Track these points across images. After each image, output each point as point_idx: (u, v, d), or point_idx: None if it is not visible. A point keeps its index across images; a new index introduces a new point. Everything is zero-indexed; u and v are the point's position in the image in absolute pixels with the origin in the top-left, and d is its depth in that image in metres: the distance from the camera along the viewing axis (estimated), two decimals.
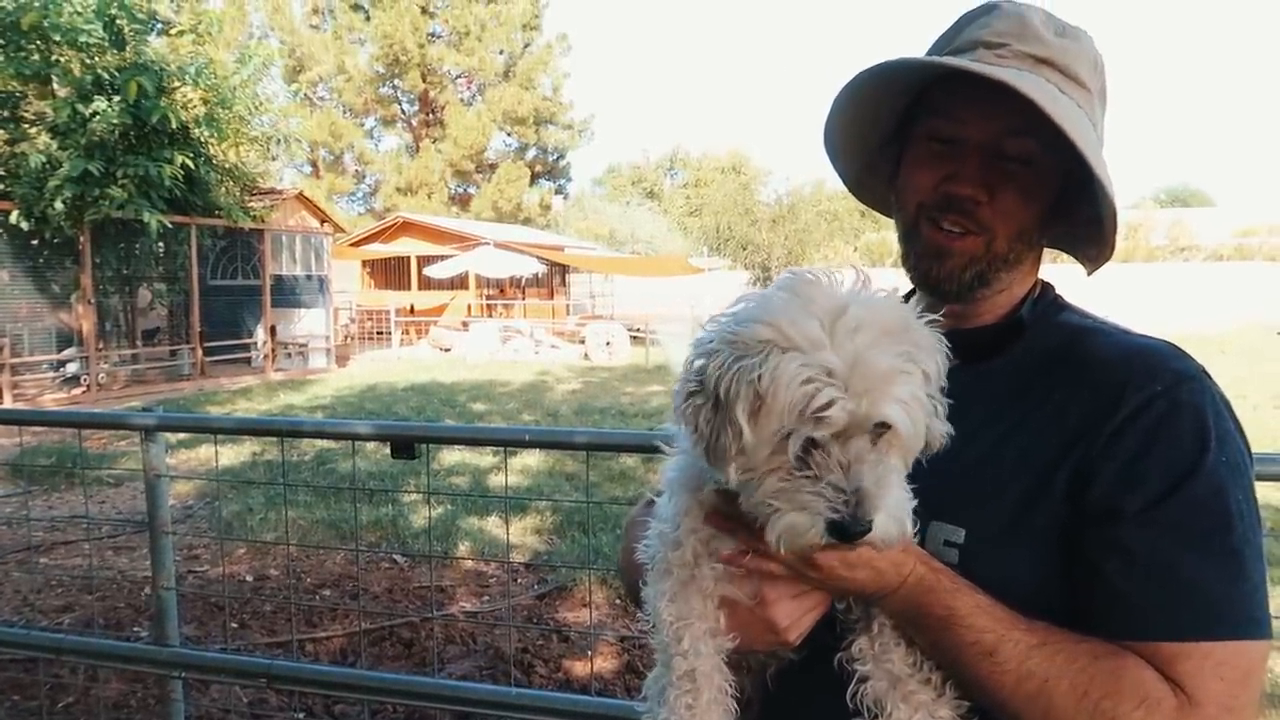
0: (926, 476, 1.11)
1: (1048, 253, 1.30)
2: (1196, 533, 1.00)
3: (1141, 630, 1.00)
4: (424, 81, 47.19)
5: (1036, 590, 1.07)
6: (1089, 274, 1.31)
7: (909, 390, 0.96)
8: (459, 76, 48.47)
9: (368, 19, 46.24)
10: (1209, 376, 1.08)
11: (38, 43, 14.70)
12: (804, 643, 1.15)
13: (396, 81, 47.73)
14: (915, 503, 1.08)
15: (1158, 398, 1.04)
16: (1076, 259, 1.32)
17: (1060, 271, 1.33)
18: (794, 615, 1.11)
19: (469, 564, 6.38)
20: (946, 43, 1.21)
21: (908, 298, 1.32)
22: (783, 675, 1.21)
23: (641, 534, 1.26)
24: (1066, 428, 1.08)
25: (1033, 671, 0.99)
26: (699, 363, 1.00)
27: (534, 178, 50.95)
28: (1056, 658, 0.99)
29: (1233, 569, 1.00)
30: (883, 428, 0.95)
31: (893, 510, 0.94)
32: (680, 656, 1.10)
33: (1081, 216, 1.21)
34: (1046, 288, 1.27)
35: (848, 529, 0.92)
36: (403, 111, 50.01)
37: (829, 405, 0.91)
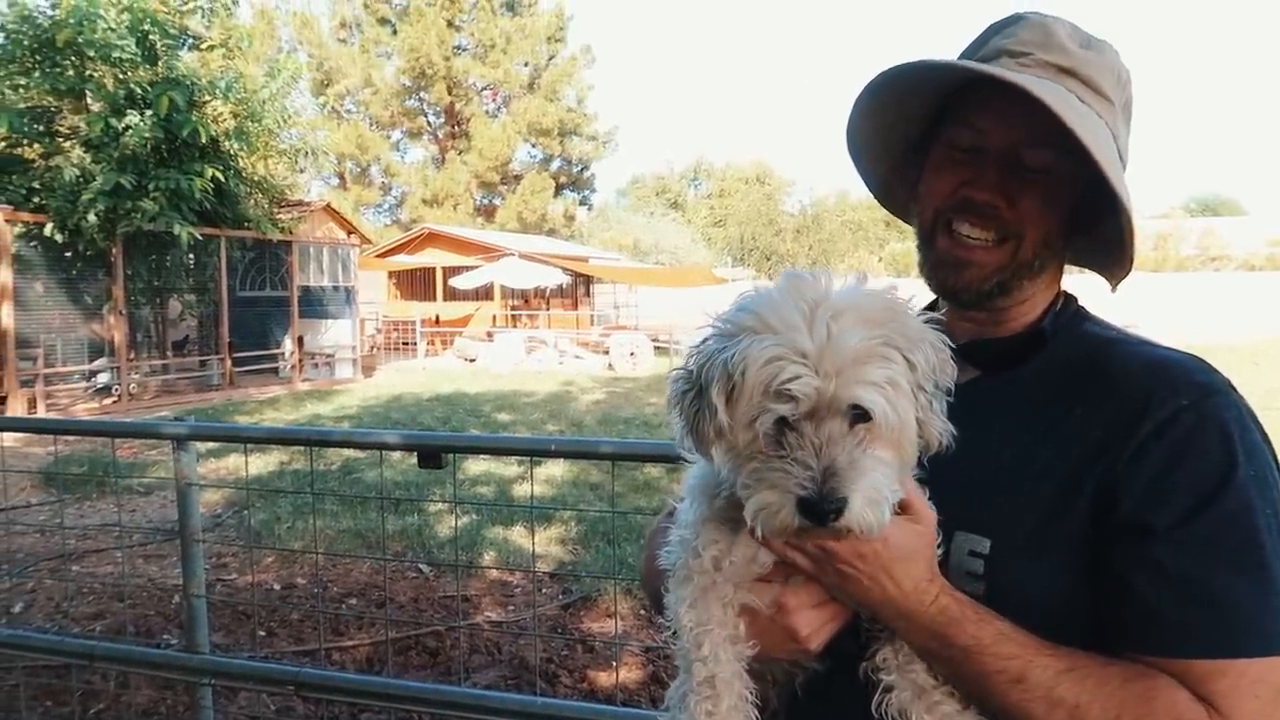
0: (951, 486, 1.11)
1: (1071, 265, 1.29)
2: (1226, 549, 0.99)
3: (1174, 648, 0.99)
4: (450, 94, 47.60)
5: (1061, 600, 1.06)
6: (1113, 289, 1.30)
7: (884, 374, 0.95)
8: (484, 89, 48.85)
9: (394, 33, 46.76)
10: (1234, 390, 1.08)
11: (72, 58, 15.00)
12: (827, 652, 1.14)
13: (423, 94, 48.18)
14: (937, 513, 1.08)
15: (1184, 411, 1.04)
16: (1100, 274, 1.31)
17: (1086, 283, 1.32)
18: (814, 624, 1.11)
19: (494, 574, 6.40)
20: (973, 52, 1.22)
21: (932, 306, 1.33)
22: (808, 685, 1.21)
23: (663, 541, 1.27)
24: (1091, 440, 1.07)
25: (1063, 698, 0.98)
26: (690, 355, 1.03)
27: (558, 189, 51.18)
28: (1086, 682, 0.98)
29: (1264, 584, 0.98)
30: (860, 414, 0.95)
31: (869, 494, 0.93)
32: (700, 663, 1.10)
33: (1104, 228, 1.20)
34: (1069, 299, 1.26)
35: (816, 506, 0.92)
36: (429, 124, 50.44)
37: (793, 381, 0.92)
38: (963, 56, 1.23)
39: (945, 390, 1.01)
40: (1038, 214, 1.16)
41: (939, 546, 1.08)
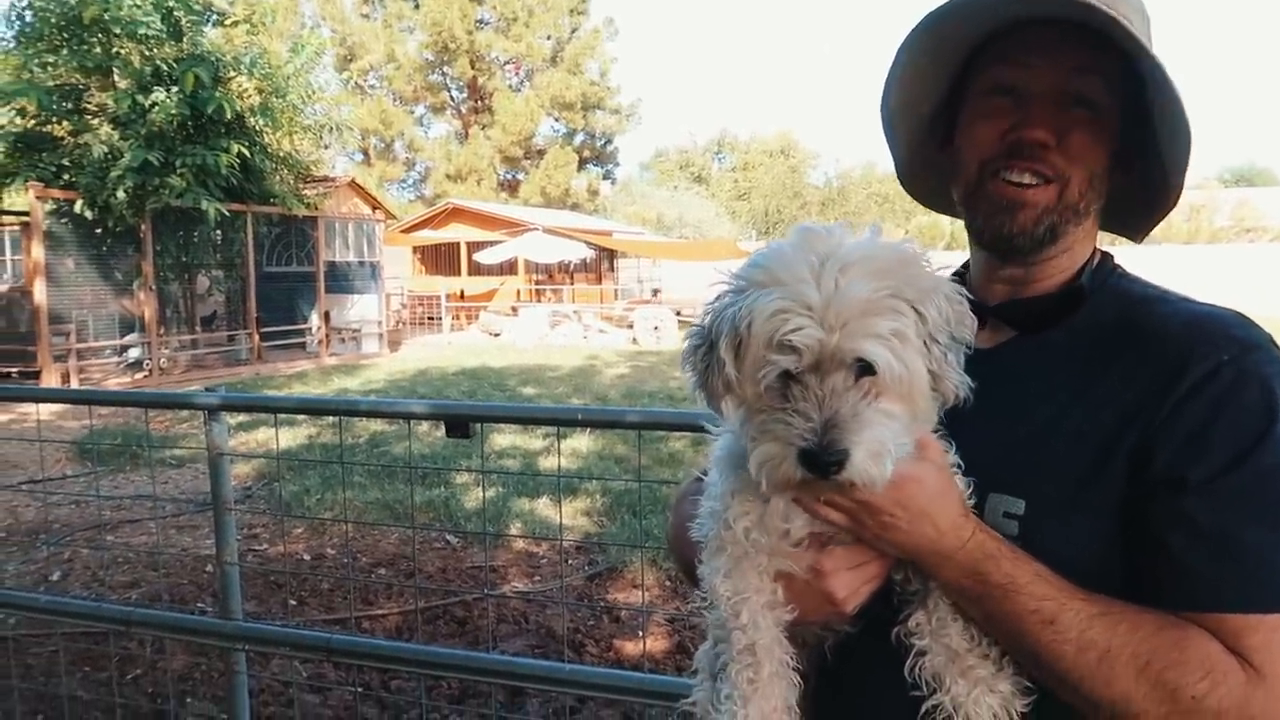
0: (986, 448, 1.10)
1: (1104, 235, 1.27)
2: (1263, 504, 0.98)
3: (1207, 602, 0.98)
4: (472, 68, 47.50)
5: (1098, 562, 1.05)
6: (1139, 241, 1.29)
7: (891, 326, 0.94)
8: (507, 63, 48.69)
9: (417, 7, 46.64)
10: (1277, 345, 1.06)
11: (99, 36, 15.09)
12: (859, 616, 1.14)
13: (445, 69, 48.11)
14: (959, 464, 1.08)
15: (1224, 366, 1.02)
16: (1123, 232, 1.29)
17: (1119, 252, 1.30)
18: (851, 586, 1.10)
19: (521, 545, 6.45)
20: None
21: (959, 275, 1.31)
22: (839, 648, 1.21)
23: (691, 510, 1.26)
24: (1129, 399, 1.06)
25: (1094, 640, 0.97)
26: (704, 312, 1.04)
27: (582, 163, 51.04)
28: (1119, 627, 0.98)
29: None
30: (865, 367, 0.94)
31: (871, 446, 0.92)
32: (740, 631, 1.09)
33: (1139, 169, 1.19)
34: (1105, 256, 1.24)
35: (817, 457, 0.91)
36: (452, 98, 50.39)
37: (795, 332, 0.92)
38: None
39: (963, 343, 1.00)
40: (1086, 151, 1.14)
41: (972, 507, 1.07)
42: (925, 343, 0.97)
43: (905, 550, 1.07)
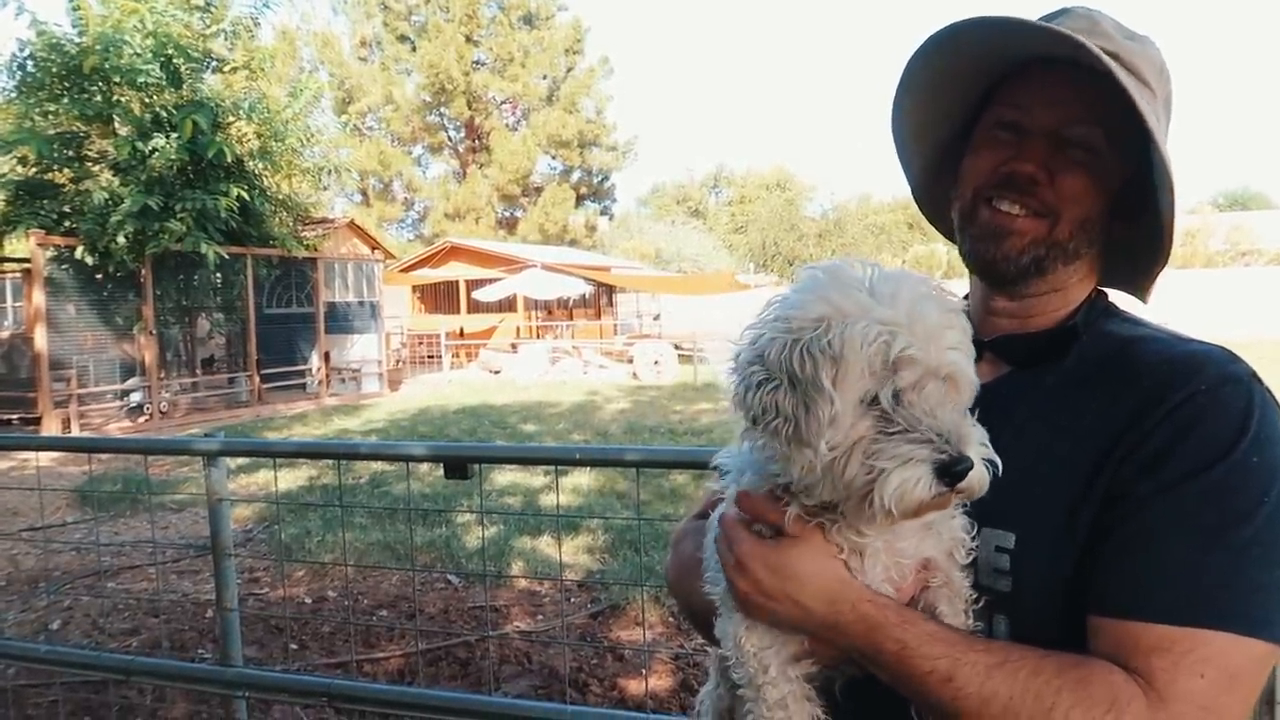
0: None
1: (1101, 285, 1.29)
2: (1205, 521, 0.98)
3: (1122, 609, 0.98)
4: (469, 108, 47.94)
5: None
6: (1145, 300, 1.29)
7: (959, 338, 0.99)
8: (504, 102, 49.16)
9: (414, 49, 47.19)
10: (1259, 380, 1.07)
11: (99, 84, 15.26)
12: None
13: (443, 109, 48.54)
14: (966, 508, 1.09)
15: (1199, 394, 1.03)
16: (1129, 289, 1.30)
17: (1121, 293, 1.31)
18: None
19: (523, 584, 6.42)
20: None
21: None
22: (847, 688, 1.20)
23: (693, 550, 1.27)
24: (1111, 431, 1.07)
25: (995, 691, 0.97)
26: (756, 356, 1.00)
27: (579, 199, 51.36)
28: (1019, 674, 0.97)
29: (1239, 563, 0.96)
30: (947, 376, 0.97)
31: (981, 453, 0.95)
32: (770, 685, 1.09)
33: (1140, 225, 1.20)
34: (1100, 295, 1.26)
35: (951, 467, 0.92)
36: (449, 139, 50.82)
37: (905, 349, 0.93)
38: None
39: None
40: (1078, 194, 1.16)
41: (972, 539, 1.08)
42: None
43: (792, 628, 1.09)
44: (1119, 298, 1.29)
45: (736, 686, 1.14)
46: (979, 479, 0.94)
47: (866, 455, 0.94)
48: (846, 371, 0.94)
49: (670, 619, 5.55)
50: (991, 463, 0.96)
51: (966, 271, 1.32)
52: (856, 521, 1.02)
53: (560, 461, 2.87)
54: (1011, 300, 1.24)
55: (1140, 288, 1.30)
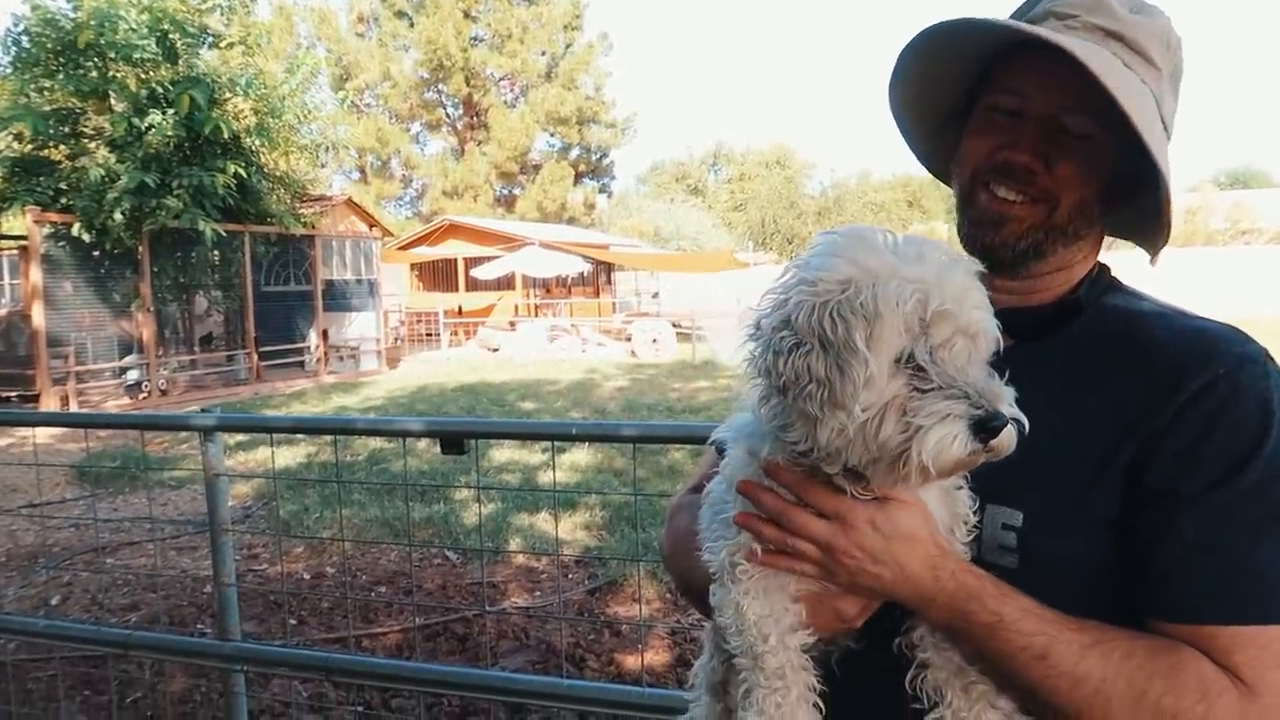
0: None
1: (1111, 236, 1.28)
2: (1255, 517, 0.98)
3: (1194, 616, 0.98)
4: (468, 85, 47.63)
5: (1093, 574, 1.05)
6: (1153, 261, 1.28)
7: (983, 299, 0.99)
8: (502, 79, 48.84)
9: (411, 25, 46.81)
10: (1273, 360, 1.06)
11: (95, 60, 15.15)
12: (864, 629, 1.14)
13: (441, 86, 48.24)
14: (966, 477, 1.08)
15: (1219, 380, 1.02)
16: (1139, 245, 1.30)
17: (1119, 259, 1.31)
18: (860, 603, 1.11)
19: (520, 560, 6.44)
20: (1020, 15, 1.21)
21: None
22: (842, 660, 1.20)
23: (688, 524, 1.26)
24: (1125, 413, 1.06)
25: (1089, 672, 0.97)
26: (782, 320, 0.98)
27: (578, 177, 51.14)
28: (1112, 656, 0.97)
29: None
30: (975, 335, 0.97)
31: (1012, 411, 0.94)
32: (770, 654, 1.08)
33: (1143, 199, 1.19)
34: (1103, 270, 1.25)
35: (988, 423, 0.92)
36: (447, 115, 50.53)
37: (941, 306, 0.93)
38: (1012, 18, 1.22)
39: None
40: (1075, 179, 1.15)
41: (975, 515, 1.08)
42: None
43: (879, 593, 1.07)
44: (1122, 271, 1.28)
45: (730, 658, 1.14)
46: (1009, 437, 0.94)
47: (902, 414, 0.93)
48: (882, 330, 0.93)
49: (668, 595, 5.57)
50: (1019, 422, 0.95)
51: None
52: (885, 484, 1.01)
53: (557, 437, 2.87)
54: (1012, 280, 1.23)
55: (1150, 248, 1.29)
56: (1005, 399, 0.94)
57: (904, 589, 1.03)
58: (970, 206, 1.22)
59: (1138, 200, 1.20)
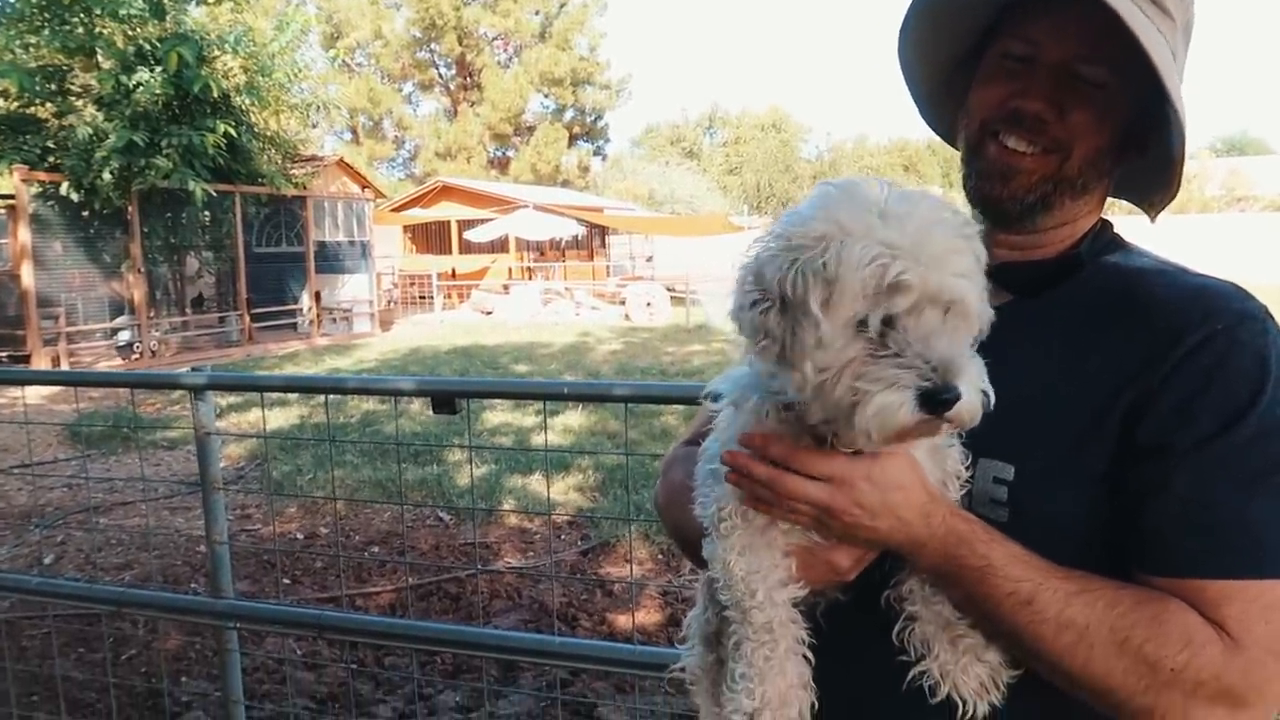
0: None
1: (1112, 197, 1.26)
2: (1247, 472, 0.97)
3: (1183, 569, 0.97)
4: (460, 45, 47.07)
5: (1085, 530, 1.05)
6: (1153, 219, 1.27)
7: (967, 264, 0.96)
8: (495, 39, 48.28)
9: None
10: (1273, 318, 1.05)
11: (81, 16, 14.91)
12: (852, 581, 1.14)
13: (433, 45, 47.68)
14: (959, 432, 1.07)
15: (1217, 336, 1.01)
16: (1140, 206, 1.28)
17: (1125, 225, 1.29)
18: (854, 554, 1.10)
19: (513, 521, 6.47)
20: None
21: None
22: (831, 613, 1.20)
23: (683, 477, 1.25)
24: (1122, 369, 1.05)
25: (1072, 620, 0.97)
26: (755, 272, 0.99)
27: (572, 139, 50.74)
28: (1097, 604, 0.97)
29: None
30: (949, 303, 0.95)
31: (975, 380, 0.93)
32: (757, 609, 1.08)
33: (1151, 154, 1.17)
34: (1106, 225, 1.23)
35: (936, 396, 0.90)
36: (440, 75, 49.99)
37: (902, 274, 0.91)
38: None
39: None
40: (1088, 128, 1.12)
41: (966, 471, 1.07)
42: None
43: (875, 543, 1.07)
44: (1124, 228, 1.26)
45: (724, 609, 1.14)
46: (969, 410, 0.92)
47: (854, 377, 0.93)
48: (841, 294, 0.92)
49: (660, 555, 5.61)
50: (987, 395, 0.94)
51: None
52: (849, 443, 1.00)
53: (549, 396, 2.86)
54: (1017, 234, 1.21)
55: (1148, 209, 1.27)
56: (965, 372, 0.92)
57: (899, 537, 1.03)
58: (977, 158, 1.19)
59: (1145, 156, 1.18)
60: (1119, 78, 1.10)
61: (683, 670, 1.33)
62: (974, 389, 0.93)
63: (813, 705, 1.09)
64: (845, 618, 1.18)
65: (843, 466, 1.01)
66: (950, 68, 1.29)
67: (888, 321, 0.93)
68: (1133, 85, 1.08)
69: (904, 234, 0.92)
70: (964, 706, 1.06)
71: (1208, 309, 1.04)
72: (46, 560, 5.85)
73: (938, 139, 1.46)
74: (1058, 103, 1.12)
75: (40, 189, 15.09)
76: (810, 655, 1.11)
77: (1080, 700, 1.01)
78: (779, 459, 1.04)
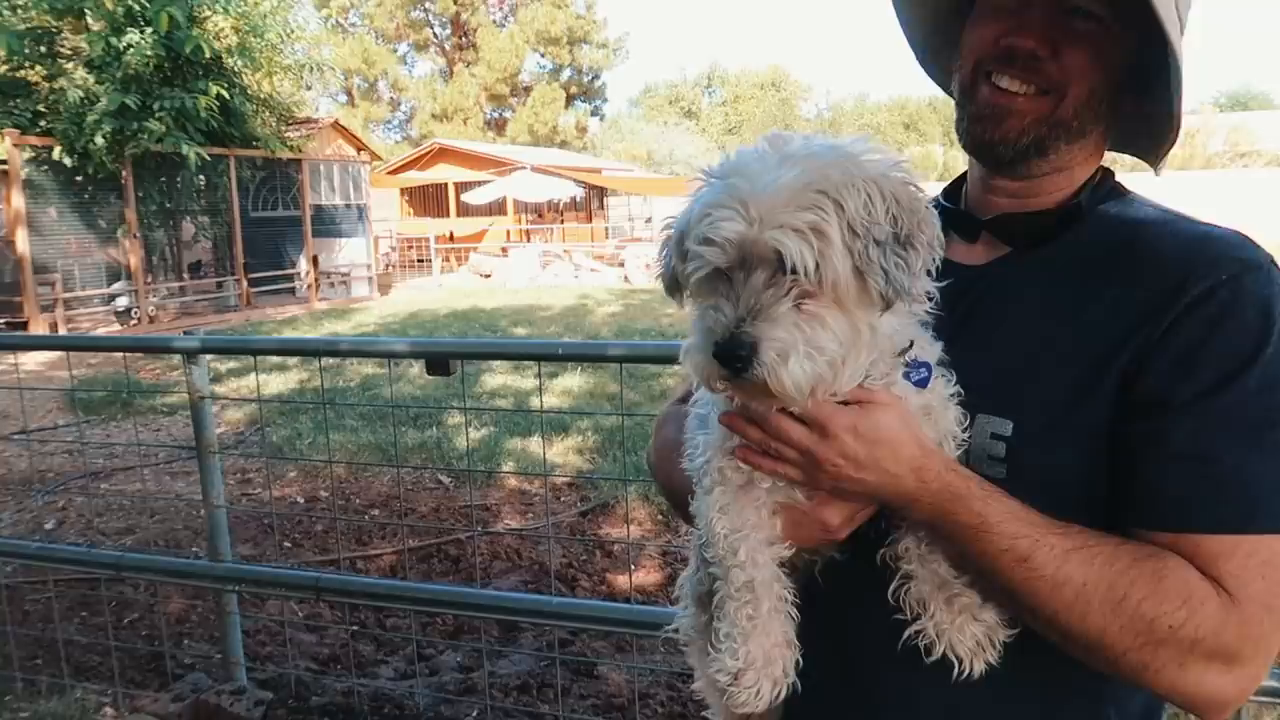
0: (975, 367, 1.07)
1: (1111, 150, 1.22)
2: (1246, 425, 0.95)
3: (1181, 523, 0.96)
4: (455, 3, 46.44)
5: (1084, 485, 1.03)
6: (1156, 171, 1.23)
7: (810, 219, 0.90)
8: None
9: None
10: (1277, 267, 1.02)
11: None
12: (849, 540, 1.12)
13: (428, 4, 47.08)
14: (959, 392, 1.05)
15: (1221, 286, 0.98)
16: (1143, 159, 1.24)
17: (1129, 180, 1.25)
18: (845, 513, 1.08)
19: (513, 484, 6.48)
20: None
21: (955, 184, 1.29)
22: (827, 572, 1.19)
23: (675, 434, 1.24)
24: (1123, 321, 1.02)
25: (1070, 576, 0.96)
26: (667, 238, 1.05)
27: (569, 100, 50.26)
28: (1094, 561, 0.96)
29: None
30: (780, 261, 0.91)
31: (779, 345, 0.89)
32: (738, 568, 1.07)
33: (1149, 101, 1.13)
34: (1107, 174, 1.19)
35: (723, 349, 0.91)
36: (435, 35, 49.40)
37: (719, 226, 0.91)
38: None
39: (905, 243, 0.93)
40: (1083, 67, 1.09)
41: (963, 430, 1.05)
42: (844, 238, 0.90)
43: (864, 496, 1.05)
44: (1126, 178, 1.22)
45: (711, 567, 1.13)
46: (773, 373, 0.89)
47: (691, 331, 0.98)
48: (687, 254, 0.96)
49: (659, 516, 5.62)
50: (813, 364, 0.90)
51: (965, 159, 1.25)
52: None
53: (544, 357, 2.84)
54: (1013, 180, 1.17)
55: (1150, 161, 1.24)
56: (763, 334, 0.89)
57: (888, 491, 1.01)
58: (970, 101, 1.16)
59: (1146, 102, 1.14)
60: (1115, 14, 1.06)
61: (676, 631, 1.33)
62: (779, 353, 0.89)
63: (797, 663, 1.08)
64: (841, 576, 1.16)
65: (828, 414, 0.99)
66: (947, 14, 1.25)
67: (727, 273, 0.94)
68: (1128, 22, 1.04)
69: (753, 183, 0.92)
70: (959, 665, 1.04)
71: (1212, 258, 1.01)
72: (48, 525, 5.87)
73: (940, 96, 1.43)
74: (1051, 40, 1.08)
75: (33, 154, 14.95)
76: (795, 613, 1.09)
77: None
78: (760, 421, 1.05)
